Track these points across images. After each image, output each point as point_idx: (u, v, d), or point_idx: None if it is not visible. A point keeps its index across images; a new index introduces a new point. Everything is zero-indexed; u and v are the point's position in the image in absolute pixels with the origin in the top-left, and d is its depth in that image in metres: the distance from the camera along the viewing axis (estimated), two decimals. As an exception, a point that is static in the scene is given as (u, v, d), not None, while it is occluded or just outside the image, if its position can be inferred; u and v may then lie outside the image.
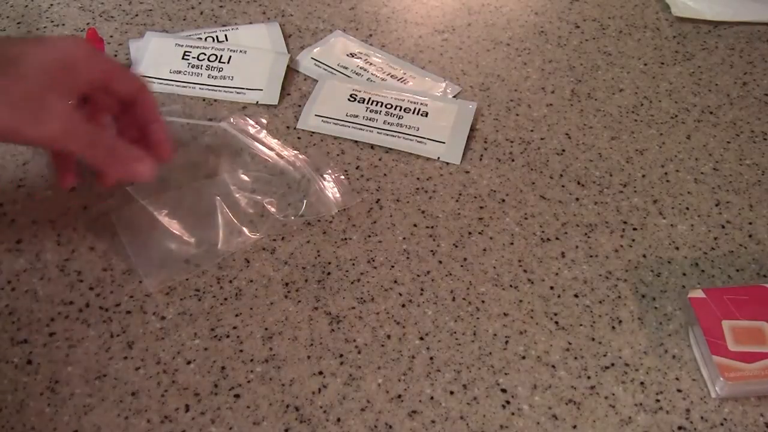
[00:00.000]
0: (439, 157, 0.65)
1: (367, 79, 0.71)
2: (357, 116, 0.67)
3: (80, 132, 0.51)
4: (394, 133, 0.66)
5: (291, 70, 0.72)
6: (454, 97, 0.70)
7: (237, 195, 0.60)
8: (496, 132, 0.68)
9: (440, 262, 0.58)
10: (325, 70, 0.72)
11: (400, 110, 0.67)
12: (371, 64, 0.72)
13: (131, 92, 0.55)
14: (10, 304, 0.54)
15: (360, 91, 0.69)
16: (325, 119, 0.67)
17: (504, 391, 0.51)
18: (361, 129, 0.66)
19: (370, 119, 0.67)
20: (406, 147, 0.65)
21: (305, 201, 0.60)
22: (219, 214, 0.58)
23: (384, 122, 0.66)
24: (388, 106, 0.67)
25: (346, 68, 0.72)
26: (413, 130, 0.66)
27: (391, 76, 0.71)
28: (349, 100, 0.68)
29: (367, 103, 0.68)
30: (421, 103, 0.68)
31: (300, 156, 0.63)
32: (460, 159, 0.65)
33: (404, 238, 0.59)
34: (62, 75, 0.51)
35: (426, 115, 0.67)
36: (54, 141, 0.51)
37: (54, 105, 0.49)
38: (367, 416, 0.49)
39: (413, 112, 0.67)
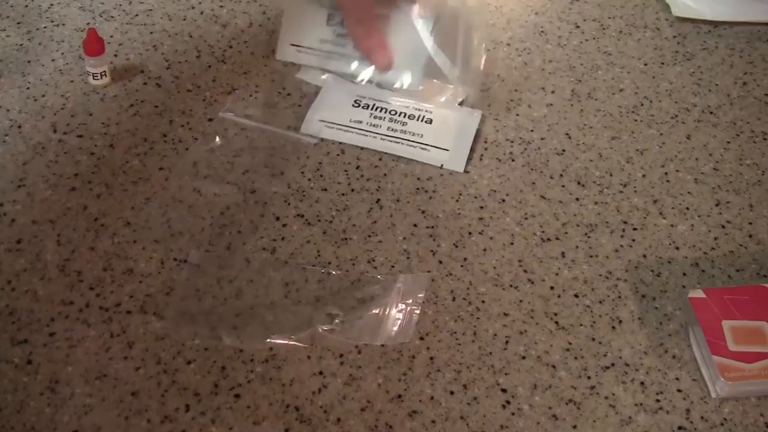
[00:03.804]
0: (442, 165, 0.64)
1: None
2: (361, 122, 0.67)
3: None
4: (398, 140, 0.66)
5: (293, 72, 0.72)
6: (459, 104, 0.69)
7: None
8: (496, 132, 0.68)
9: (440, 262, 0.58)
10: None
11: (404, 117, 0.67)
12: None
13: None
14: (10, 304, 0.54)
15: (365, 97, 0.69)
16: (328, 124, 0.67)
17: (504, 391, 0.51)
18: (365, 135, 0.66)
19: (373, 125, 0.66)
20: (410, 154, 0.65)
21: (359, 321, 0.54)
22: None
23: (388, 128, 0.66)
24: (392, 113, 0.67)
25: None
26: (417, 136, 0.66)
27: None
28: (353, 105, 0.68)
29: (372, 109, 0.67)
30: (426, 110, 0.68)
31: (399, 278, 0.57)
32: (464, 167, 0.64)
33: (404, 238, 0.59)
34: None
35: (430, 122, 0.67)
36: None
37: None
38: (367, 416, 0.49)
39: (417, 119, 0.67)
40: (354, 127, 0.66)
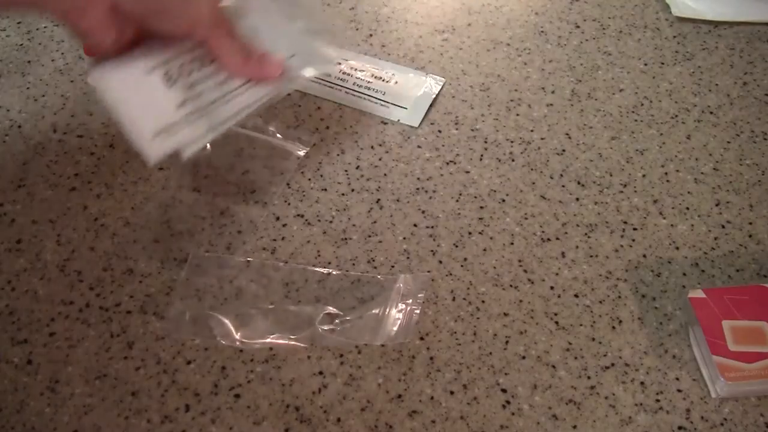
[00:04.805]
0: (399, 120, 0.68)
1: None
2: (329, 75, 0.71)
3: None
4: (361, 95, 0.69)
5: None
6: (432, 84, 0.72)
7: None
8: (496, 132, 0.68)
9: (440, 262, 0.58)
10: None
11: (370, 76, 0.71)
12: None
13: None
14: (10, 304, 0.54)
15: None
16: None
17: (504, 391, 0.51)
18: (330, 87, 0.70)
19: (341, 79, 0.71)
20: (370, 108, 0.68)
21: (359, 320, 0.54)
22: None
23: (354, 84, 0.70)
24: (362, 71, 0.72)
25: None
26: (379, 93, 0.70)
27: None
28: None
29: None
30: (392, 74, 0.72)
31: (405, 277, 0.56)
32: (419, 123, 0.68)
33: (404, 238, 0.59)
34: None
35: (395, 84, 0.71)
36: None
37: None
38: (367, 416, 0.49)
39: (382, 80, 0.71)
40: (323, 80, 0.70)
